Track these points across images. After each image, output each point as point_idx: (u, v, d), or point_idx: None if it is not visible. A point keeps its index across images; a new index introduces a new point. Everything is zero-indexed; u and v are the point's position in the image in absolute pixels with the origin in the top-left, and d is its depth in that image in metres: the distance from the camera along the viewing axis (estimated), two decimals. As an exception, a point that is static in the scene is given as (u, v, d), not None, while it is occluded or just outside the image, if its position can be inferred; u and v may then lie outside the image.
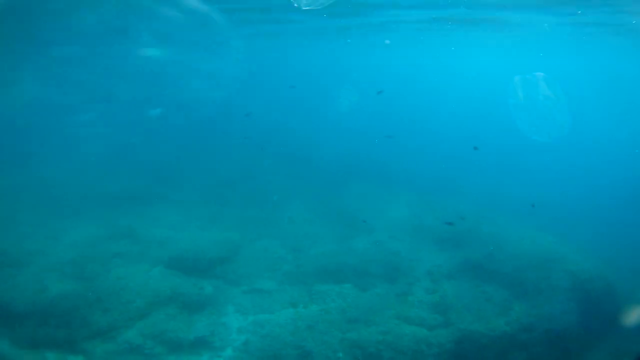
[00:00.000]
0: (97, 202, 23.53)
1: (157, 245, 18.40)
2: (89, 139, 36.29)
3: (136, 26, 29.54)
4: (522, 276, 16.22)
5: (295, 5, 11.68)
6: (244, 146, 36.12)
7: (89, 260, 16.70)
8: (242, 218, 22.66)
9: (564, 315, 14.72)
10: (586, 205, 26.34)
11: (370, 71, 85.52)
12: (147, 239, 18.87)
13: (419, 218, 22.85)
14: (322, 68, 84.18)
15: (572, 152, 45.06)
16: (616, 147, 45.59)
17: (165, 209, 23.10)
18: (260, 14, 27.15)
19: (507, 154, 41.72)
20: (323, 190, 27.91)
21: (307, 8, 11.92)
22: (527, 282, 15.89)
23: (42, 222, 20.70)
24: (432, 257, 18.38)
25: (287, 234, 20.81)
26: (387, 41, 39.39)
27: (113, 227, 20.07)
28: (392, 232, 21.08)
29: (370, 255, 18.50)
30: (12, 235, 18.88)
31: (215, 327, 14.48)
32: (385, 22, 30.19)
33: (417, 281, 16.58)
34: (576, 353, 14.15)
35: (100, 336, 13.62)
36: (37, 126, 45.40)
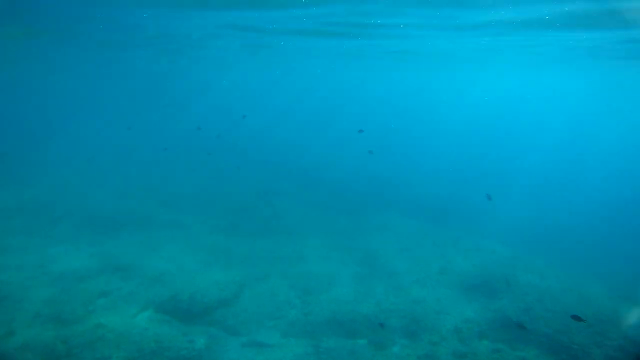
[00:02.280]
0: (97, 225, 21.85)
1: (150, 282, 16.37)
2: (96, 154, 35.10)
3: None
4: (569, 340, 13.69)
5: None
6: (262, 168, 34.46)
7: (70, 299, 14.79)
8: (250, 250, 20.66)
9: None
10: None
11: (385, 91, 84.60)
12: (141, 274, 16.87)
13: (444, 258, 20.47)
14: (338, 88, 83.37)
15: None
16: None
17: (169, 237, 21.22)
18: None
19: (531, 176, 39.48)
20: (341, 218, 25.85)
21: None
22: (575, 348, 13.36)
23: (32, 249, 18.96)
24: (461, 309, 15.94)
25: (298, 272, 18.63)
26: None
27: (107, 257, 18.23)
28: (416, 274, 18.74)
29: (389, 304, 16.18)
30: (-4, 265, 17.16)
31: (204, 393, 12.36)
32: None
33: (443, 340, 14.16)
34: None
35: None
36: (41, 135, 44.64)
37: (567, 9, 16.36)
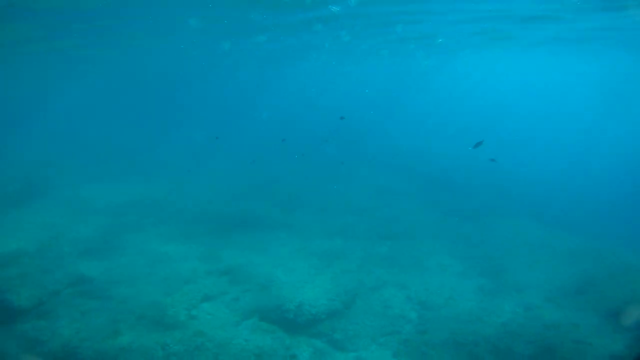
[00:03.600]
0: (208, 225, 21.87)
1: (257, 288, 15.84)
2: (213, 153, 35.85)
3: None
4: None
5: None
6: (380, 168, 33.33)
7: (174, 302, 14.54)
8: (366, 255, 19.61)
9: None
10: None
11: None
12: (248, 279, 16.39)
13: (584, 274, 17.95)
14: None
15: None
16: None
17: (280, 239, 20.72)
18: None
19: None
20: (466, 223, 23.95)
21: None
22: None
23: (143, 246, 19.32)
24: (606, 340, 13.64)
25: (416, 282, 17.31)
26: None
27: (216, 259, 18.09)
28: (549, 292, 16.59)
29: (517, 326, 14.30)
30: (109, 261, 17.74)
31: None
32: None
33: (584, 380, 12.15)
34: None
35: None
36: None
37: None
